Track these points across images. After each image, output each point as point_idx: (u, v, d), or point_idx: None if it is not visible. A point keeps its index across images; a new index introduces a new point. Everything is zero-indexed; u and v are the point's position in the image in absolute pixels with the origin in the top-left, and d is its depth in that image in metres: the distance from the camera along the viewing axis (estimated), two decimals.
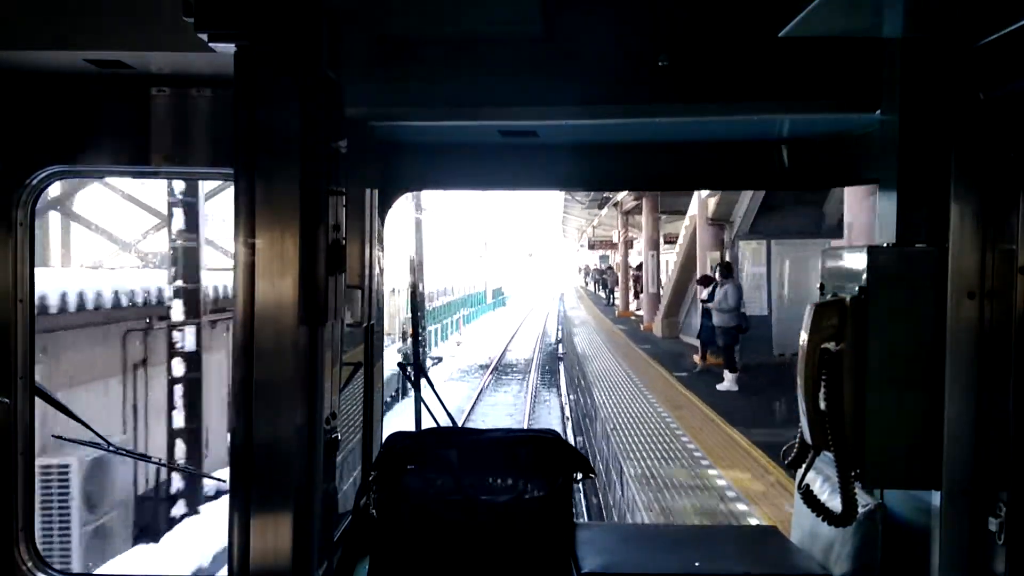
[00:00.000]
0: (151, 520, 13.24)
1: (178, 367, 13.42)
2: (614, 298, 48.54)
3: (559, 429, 18.84)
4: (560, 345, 40.51)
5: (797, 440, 2.89)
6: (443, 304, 48.74)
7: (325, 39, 2.52)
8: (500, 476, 3.13)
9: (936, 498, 2.54)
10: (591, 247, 57.64)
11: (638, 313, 38.41)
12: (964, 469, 2.44)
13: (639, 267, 41.50)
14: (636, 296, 41.18)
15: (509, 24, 2.79)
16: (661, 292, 31.59)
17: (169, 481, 13.34)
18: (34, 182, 3.21)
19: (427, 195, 31.53)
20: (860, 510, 2.75)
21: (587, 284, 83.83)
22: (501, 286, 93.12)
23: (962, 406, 2.44)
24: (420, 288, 30.73)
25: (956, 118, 2.45)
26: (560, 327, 48.38)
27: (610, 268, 56.46)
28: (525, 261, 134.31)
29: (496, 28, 2.80)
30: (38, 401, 3.34)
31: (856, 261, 2.67)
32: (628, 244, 44.61)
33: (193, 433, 13.40)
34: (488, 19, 2.79)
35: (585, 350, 26.06)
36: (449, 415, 4.03)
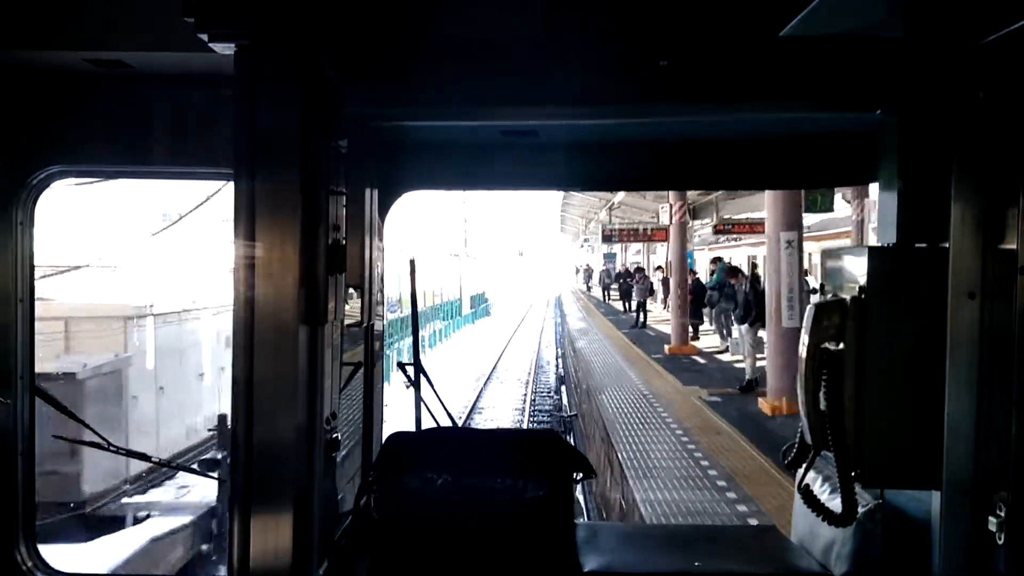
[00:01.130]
0: None
1: None
2: (645, 318, 31.22)
3: None
4: (563, 391, 26.91)
5: (797, 440, 2.89)
6: (394, 320, 30.92)
7: (325, 39, 2.51)
8: (500, 476, 3.13)
9: (936, 498, 2.54)
10: (607, 239, 36.24)
11: (704, 350, 22.60)
12: (964, 469, 2.44)
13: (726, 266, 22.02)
14: (692, 317, 24.80)
15: (509, 24, 2.79)
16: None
17: None
18: (34, 182, 3.21)
19: None
20: (860, 510, 2.75)
21: (589, 288, 67.55)
22: (484, 291, 71.58)
23: (962, 406, 2.44)
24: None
25: (956, 118, 2.45)
26: (562, 352, 34.04)
27: (640, 270, 37.04)
28: (515, 261, 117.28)
29: (496, 28, 2.80)
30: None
31: (856, 261, 2.67)
32: (685, 230, 26.80)
33: None
34: (488, 19, 2.79)
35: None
36: (449, 415, 4.03)
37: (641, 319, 31.42)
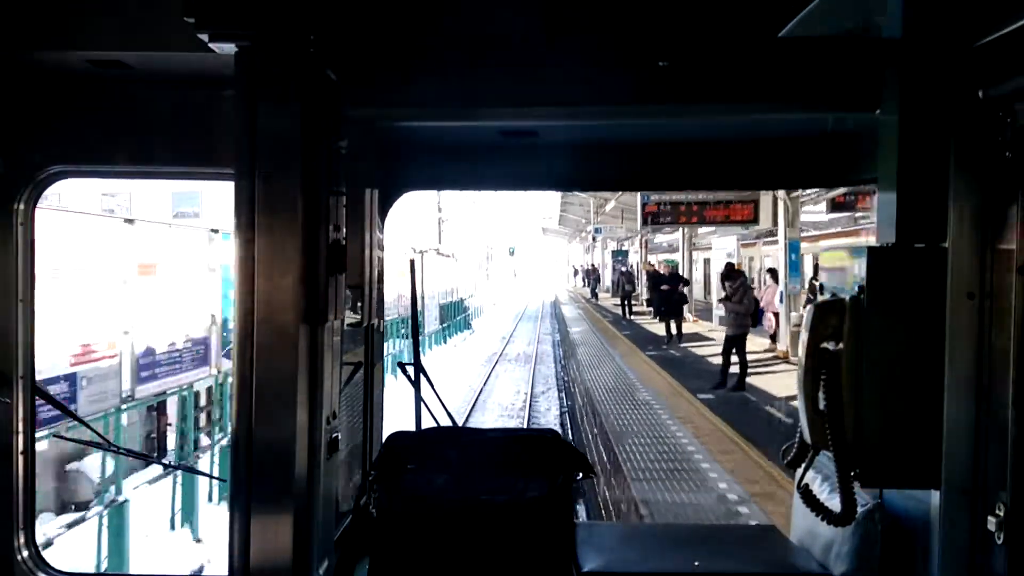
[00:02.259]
0: None
1: None
2: (744, 371, 16.47)
3: None
4: None
5: (797, 440, 2.89)
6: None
7: (325, 40, 2.52)
8: (500, 476, 3.13)
9: (935, 498, 2.54)
10: (654, 218, 24.25)
11: None
12: (963, 469, 2.44)
13: None
14: None
15: (509, 24, 2.79)
16: None
17: None
18: (35, 182, 3.22)
19: None
20: (859, 510, 2.75)
21: (595, 296, 52.69)
22: (465, 297, 47.22)
23: (961, 406, 2.44)
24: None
25: (956, 118, 2.45)
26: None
27: (736, 274, 18.32)
28: (504, 260, 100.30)
29: (496, 28, 2.81)
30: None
31: (855, 261, 2.67)
32: None
33: None
34: (488, 19, 2.80)
35: None
36: (449, 415, 4.03)
37: (737, 371, 16.44)
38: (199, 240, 12.72)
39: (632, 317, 35.03)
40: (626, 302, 36.78)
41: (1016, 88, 2.31)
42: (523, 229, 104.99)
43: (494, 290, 76.24)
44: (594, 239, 51.29)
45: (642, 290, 39.22)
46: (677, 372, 17.12)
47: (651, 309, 31.99)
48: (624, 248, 50.86)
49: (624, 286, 37.89)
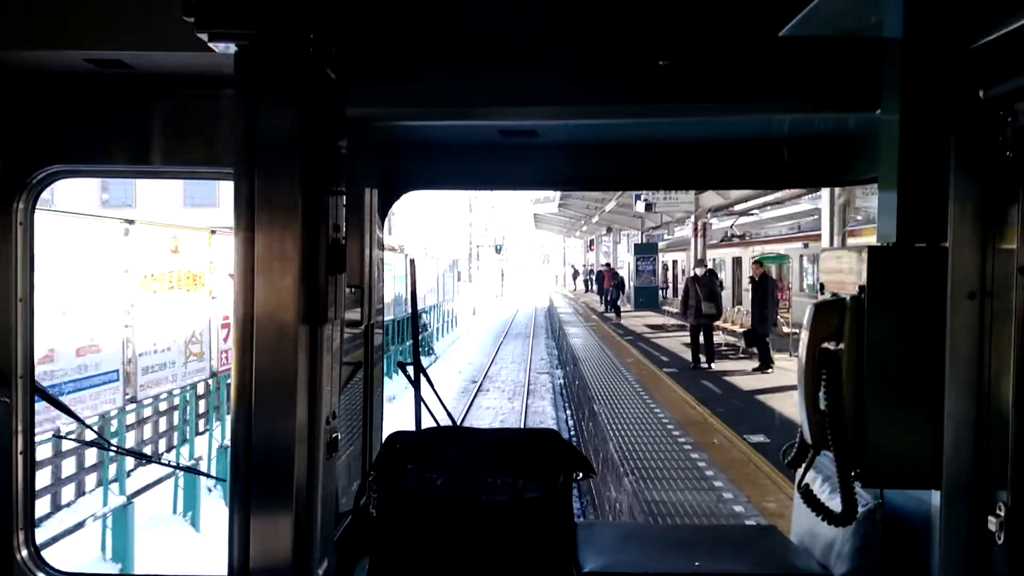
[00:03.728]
0: None
1: None
2: None
3: None
4: None
5: (797, 440, 2.89)
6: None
7: (325, 39, 2.52)
8: (500, 476, 3.13)
9: (936, 498, 2.54)
10: None
11: None
12: (964, 469, 2.44)
13: None
14: None
15: (509, 24, 2.80)
16: None
17: None
18: (34, 182, 3.22)
19: None
20: (860, 510, 2.75)
21: (616, 312, 34.92)
22: (425, 308, 32.42)
23: (962, 406, 2.44)
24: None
25: (956, 117, 2.45)
26: None
27: None
28: (489, 260, 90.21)
29: (496, 28, 2.81)
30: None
31: (856, 261, 2.68)
32: None
33: None
34: (488, 19, 2.80)
35: None
36: (449, 415, 4.03)
37: None
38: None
39: (714, 365, 18.40)
40: (702, 335, 18.75)
41: (1016, 88, 2.31)
42: (512, 219, 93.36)
43: (478, 295, 64.81)
44: (648, 209, 31.69)
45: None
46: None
47: (752, 350, 18.74)
48: (652, 242, 34.81)
49: (700, 305, 18.42)
